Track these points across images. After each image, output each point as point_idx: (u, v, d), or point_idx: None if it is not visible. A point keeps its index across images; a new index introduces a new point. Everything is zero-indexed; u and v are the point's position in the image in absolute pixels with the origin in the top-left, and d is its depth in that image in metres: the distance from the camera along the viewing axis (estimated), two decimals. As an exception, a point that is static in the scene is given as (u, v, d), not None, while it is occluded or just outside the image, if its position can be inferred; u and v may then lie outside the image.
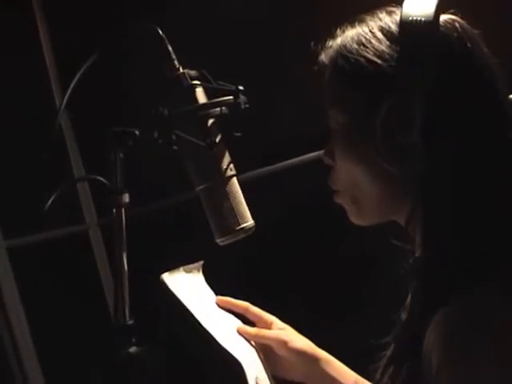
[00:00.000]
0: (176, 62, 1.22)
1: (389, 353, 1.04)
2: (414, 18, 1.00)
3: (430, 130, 0.98)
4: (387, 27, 1.04)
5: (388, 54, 1.02)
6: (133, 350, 1.14)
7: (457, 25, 1.03)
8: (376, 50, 1.03)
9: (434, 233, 1.00)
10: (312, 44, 1.14)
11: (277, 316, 1.35)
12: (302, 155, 2.33)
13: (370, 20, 1.07)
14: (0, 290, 2.33)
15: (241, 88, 1.20)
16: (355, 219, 1.12)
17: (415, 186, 1.00)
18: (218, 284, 1.34)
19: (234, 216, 1.19)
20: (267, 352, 1.30)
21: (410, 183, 1.01)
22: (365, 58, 1.03)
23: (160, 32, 1.22)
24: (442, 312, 0.92)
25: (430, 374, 0.92)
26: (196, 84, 1.20)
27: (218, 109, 1.19)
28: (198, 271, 1.34)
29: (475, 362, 0.88)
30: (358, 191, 1.08)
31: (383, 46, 1.03)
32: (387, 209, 1.09)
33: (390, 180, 1.04)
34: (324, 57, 1.11)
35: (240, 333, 1.29)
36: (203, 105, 1.19)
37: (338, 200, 1.13)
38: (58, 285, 2.42)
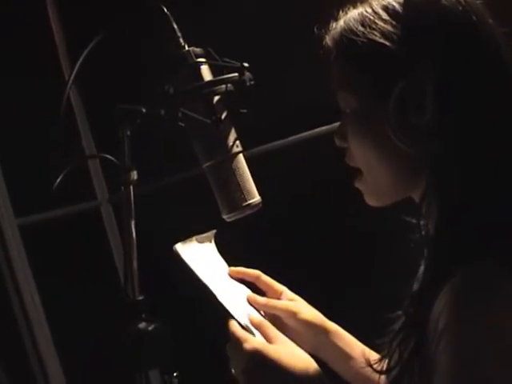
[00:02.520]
0: (181, 40, 1.22)
1: (398, 324, 1.04)
2: None
3: (442, 106, 0.98)
4: (391, 6, 1.04)
5: (395, 34, 1.01)
6: (142, 325, 1.15)
7: None
8: (382, 31, 1.02)
9: (446, 208, 1.00)
10: (315, 28, 1.13)
11: (288, 288, 1.36)
12: (308, 131, 2.33)
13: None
14: (12, 268, 2.35)
15: (246, 65, 1.20)
16: (372, 201, 1.13)
17: (429, 163, 1.00)
18: (227, 258, 1.35)
19: (240, 192, 1.20)
20: (276, 322, 1.29)
21: (424, 160, 1.01)
22: (372, 40, 1.03)
23: (165, 10, 1.22)
24: (450, 283, 0.94)
25: (433, 340, 0.93)
26: (201, 61, 1.20)
27: (224, 86, 1.19)
28: (211, 241, 1.35)
29: (479, 323, 0.90)
30: (373, 170, 1.09)
31: (389, 26, 1.02)
32: (402, 186, 1.10)
33: (404, 158, 1.04)
34: (328, 40, 1.11)
35: (250, 302, 1.29)
36: (209, 82, 1.20)
37: (359, 185, 1.14)
38: (71, 261, 2.43)
